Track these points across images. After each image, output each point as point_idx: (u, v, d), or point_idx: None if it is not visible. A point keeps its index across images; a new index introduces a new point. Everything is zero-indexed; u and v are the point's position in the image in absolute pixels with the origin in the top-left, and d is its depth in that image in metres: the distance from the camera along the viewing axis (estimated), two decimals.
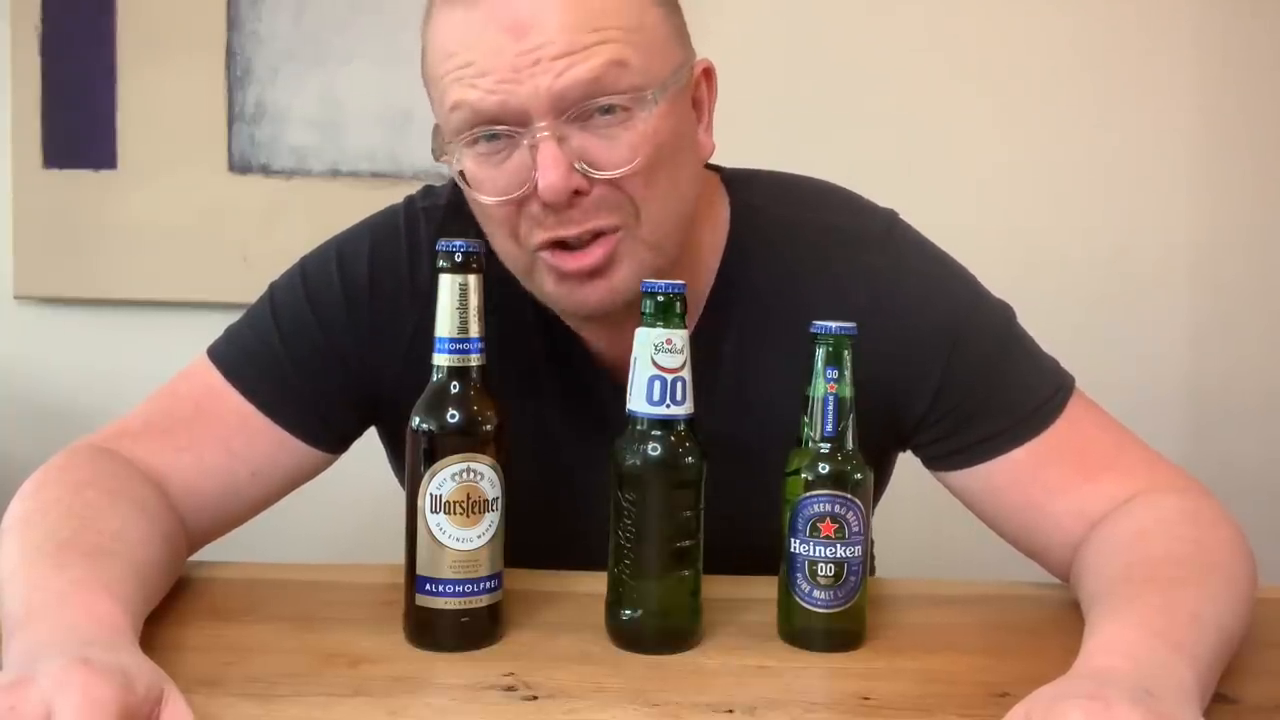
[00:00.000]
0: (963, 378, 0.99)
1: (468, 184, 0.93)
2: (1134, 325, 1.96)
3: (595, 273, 0.92)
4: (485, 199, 0.92)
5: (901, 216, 1.06)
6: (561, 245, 0.91)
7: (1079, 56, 1.97)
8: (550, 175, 0.87)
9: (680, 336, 0.84)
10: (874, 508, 1.17)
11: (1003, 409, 0.98)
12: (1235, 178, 1.99)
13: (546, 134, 0.87)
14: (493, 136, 0.90)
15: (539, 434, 1.03)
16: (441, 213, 1.05)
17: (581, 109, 0.88)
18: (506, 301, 0.97)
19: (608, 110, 0.89)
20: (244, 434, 1.00)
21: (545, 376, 1.04)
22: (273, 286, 1.06)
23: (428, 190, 1.09)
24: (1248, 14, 1.96)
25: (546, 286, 0.94)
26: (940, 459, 1.02)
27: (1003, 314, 1.03)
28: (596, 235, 0.91)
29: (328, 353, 1.01)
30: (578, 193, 0.89)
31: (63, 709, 0.63)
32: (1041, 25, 1.97)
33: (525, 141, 0.88)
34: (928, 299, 1.01)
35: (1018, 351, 1.02)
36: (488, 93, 0.87)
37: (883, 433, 1.02)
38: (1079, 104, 1.96)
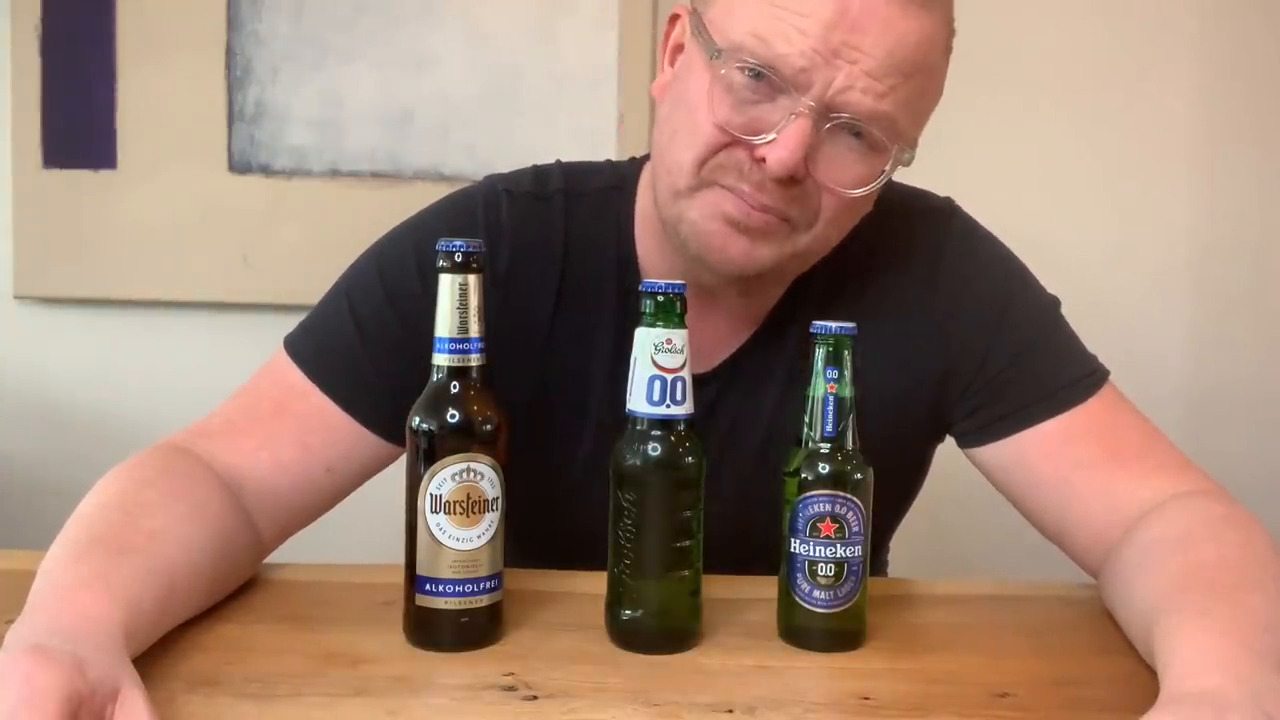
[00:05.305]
0: (1005, 351, 1.03)
1: (696, 93, 0.93)
2: (1133, 326, 1.96)
3: (748, 230, 0.93)
4: (712, 117, 0.92)
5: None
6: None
7: (1079, 56, 1.96)
8: (786, 150, 0.89)
9: (680, 336, 0.84)
10: (908, 508, 1.17)
11: (1038, 381, 1.02)
12: (1235, 178, 1.99)
13: (808, 115, 0.89)
14: (760, 76, 0.90)
15: (581, 382, 1.03)
16: (525, 199, 1.05)
17: (845, 120, 0.90)
18: (593, 253, 1.01)
19: (859, 134, 0.91)
20: (322, 431, 1.00)
21: (607, 331, 1.03)
22: (348, 279, 1.05)
23: (508, 174, 1.08)
24: (1249, 13, 1.96)
25: (694, 213, 0.95)
26: (974, 433, 1.04)
27: (1049, 300, 1.08)
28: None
29: (407, 345, 0.99)
30: (792, 178, 0.91)
31: (4, 694, 0.63)
32: (1041, 25, 1.96)
33: (785, 104, 0.90)
34: (982, 275, 1.06)
35: (1059, 335, 1.06)
36: (799, 53, 0.88)
37: (928, 411, 1.05)
38: (1079, 104, 1.96)
